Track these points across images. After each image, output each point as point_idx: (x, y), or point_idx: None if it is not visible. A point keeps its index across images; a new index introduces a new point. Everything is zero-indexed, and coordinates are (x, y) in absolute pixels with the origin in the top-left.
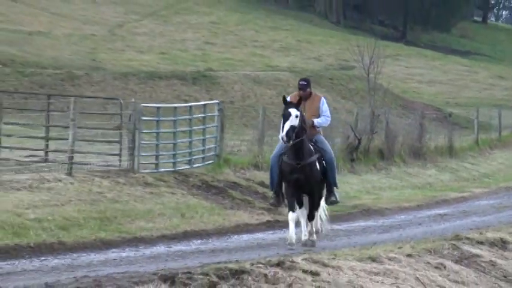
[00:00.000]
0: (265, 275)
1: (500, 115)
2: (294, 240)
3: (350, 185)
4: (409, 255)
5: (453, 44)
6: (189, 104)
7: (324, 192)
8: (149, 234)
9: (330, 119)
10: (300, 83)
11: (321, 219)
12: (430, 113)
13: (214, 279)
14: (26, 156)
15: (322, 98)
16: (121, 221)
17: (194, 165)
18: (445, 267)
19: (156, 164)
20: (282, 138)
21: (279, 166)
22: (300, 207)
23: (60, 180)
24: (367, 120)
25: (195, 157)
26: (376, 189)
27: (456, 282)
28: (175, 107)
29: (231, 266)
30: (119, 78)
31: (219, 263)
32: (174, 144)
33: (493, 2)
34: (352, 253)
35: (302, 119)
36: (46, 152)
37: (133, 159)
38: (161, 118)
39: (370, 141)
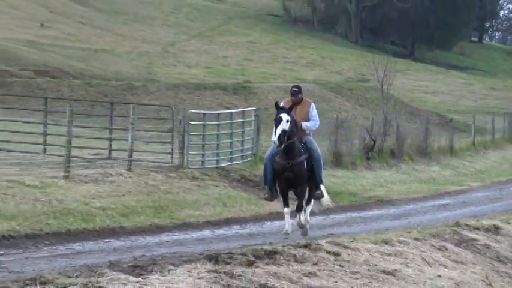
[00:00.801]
0: (294, 255)
1: (493, 121)
2: (289, 231)
3: (366, 179)
4: (416, 239)
5: (453, 60)
6: (230, 111)
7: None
8: (196, 221)
9: (318, 123)
10: (292, 89)
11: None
12: (433, 119)
13: (251, 258)
14: (93, 154)
15: (312, 104)
16: (172, 209)
17: (234, 162)
18: (446, 249)
19: (202, 161)
20: (274, 142)
21: (271, 165)
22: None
23: (121, 175)
24: (380, 125)
25: (235, 155)
26: (388, 183)
27: (456, 262)
28: (219, 113)
29: (265, 247)
30: (171, 88)
31: (255, 245)
32: (217, 144)
33: (487, 25)
34: (368, 237)
35: (293, 123)
36: (109, 151)
37: (183, 157)
38: (206, 122)
39: (383, 142)
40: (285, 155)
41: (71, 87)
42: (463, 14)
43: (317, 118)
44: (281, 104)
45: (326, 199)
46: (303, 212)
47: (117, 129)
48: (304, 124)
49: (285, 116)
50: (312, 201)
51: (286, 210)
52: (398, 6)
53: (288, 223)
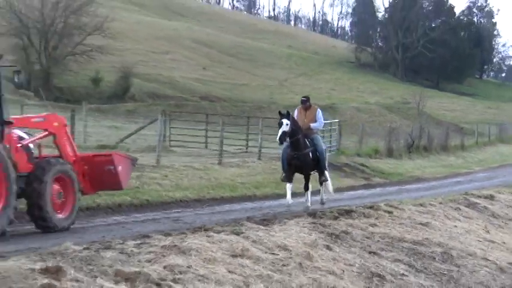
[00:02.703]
0: (363, 213)
1: (489, 128)
2: (290, 202)
3: (408, 165)
4: (440, 203)
5: (464, 90)
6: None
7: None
8: (301, 191)
9: (322, 123)
10: (302, 99)
11: (327, 191)
12: (451, 127)
13: (336, 214)
14: (236, 149)
15: (318, 109)
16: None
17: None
18: (460, 209)
19: None
20: (278, 141)
21: (285, 156)
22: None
23: (254, 162)
24: (417, 131)
25: (326, 149)
26: (422, 167)
27: (466, 217)
28: None
29: (345, 208)
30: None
31: (338, 206)
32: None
33: (485, 67)
34: (410, 202)
35: (294, 124)
36: (246, 147)
37: None
38: None
39: (419, 141)
40: (292, 148)
41: (223, 107)
42: (470, 61)
43: (322, 120)
44: (284, 112)
45: (329, 184)
46: (310, 191)
47: (251, 134)
48: (312, 125)
49: (284, 121)
50: (325, 183)
51: (288, 185)
52: (429, 56)
53: (289, 195)
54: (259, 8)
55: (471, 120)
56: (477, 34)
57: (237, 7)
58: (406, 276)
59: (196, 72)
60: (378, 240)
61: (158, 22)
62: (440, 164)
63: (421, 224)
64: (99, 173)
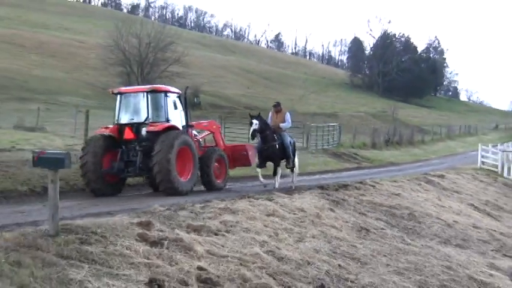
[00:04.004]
0: (355, 186)
1: (440, 128)
2: (263, 182)
3: (386, 154)
4: (408, 180)
5: (423, 103)
6: (328, 124)
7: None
8: (315, 170)
9: (290, 124)
10: (274, 104)
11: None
12: (415, 128)
13: (337, 187)
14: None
15: (287, 112)
16: (305, 168)
17: (329, 147)
18: (421, 184)
19: (316, 145)
20: (250, 136)
21: (259, 148)
22: (263, 167)
23: None
24: (392, 130)
25: (330, 143)
26: (395, 155)
27: (425, 190)
28: (325, 125)
29: (343, 183)
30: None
31: (338, 182)
32: (324, 138)
33: (438, 88)
34: (387, 179)
35: (262, 123)
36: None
37: (308, 143)
38: (318, 127)
39: (393, 138)
40: (262, 141)
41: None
42: (427, 83)
43: (290, 121)
44: (255, 113)
45: (296, 171)
46: (279, 176)
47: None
48: (281, 124)
49: (254, 121)
50: (294, 170)
51: (258, 169)
52: (400, 80)
53: (261, 178)
54: (285, 47)
55: (429, 124)
56: (433, 65)
57: (270, 46)
58: (384, 229)
59: (242, 90)
60: (365, 205)
61: (216, 56)
62: (408, 153)
63: (394, 194)
64: (237, 156)
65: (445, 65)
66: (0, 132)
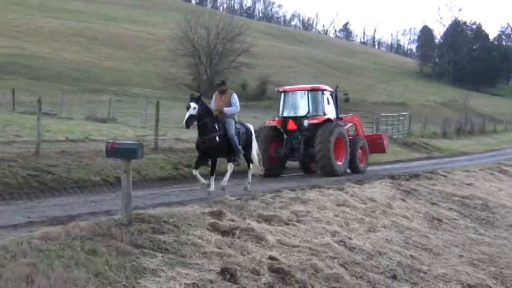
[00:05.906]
0: (426, 176)
1: None
2: (205, 183)
3: (457, 143)
4: (481, 169)
5: (495, 92)
6: (399, 113)
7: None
8: (384, 161)
9: (238, 108)
10: (218, 82)
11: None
12: (487, 117)
13: (408, 177)
14: None
15: (234, 94)
16: (374, 158)
17: (399, 136)
18: (494, 174)
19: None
20: (184, 124)
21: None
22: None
23: None
24: (463, 120)
25: (401, 132)
26: (467, 145)
27: (499, 180)
28: (393, 115)
29: (414, 172)
30: (374, 104)
31: (408, 172)
32: (395, 127)
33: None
34: (459, 169)
35: (202, 108)
36: None
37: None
38: (388, 118)
39: (465, 127)
40: (199, 132)
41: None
42: (499, 72)
43: (237, 104)
44: (197, 95)
45: (256, 166)
46: (214, 176)
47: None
48: (225, 109)
49: (192, 104)
50: (250, 166)
51: (194, 171)
52: (471, 68)
53: (200, 180)
54: (353, 36)
55: (501, 113)
56: (505, 53)
57: (338, 35)
58: (457, 220)
59: (310, 80)
60: (437, 195)
61: (285, 47)
62: (480, 143)
63: (467, 184)
64: (374, 144)
65: None
66: (73, 123)
